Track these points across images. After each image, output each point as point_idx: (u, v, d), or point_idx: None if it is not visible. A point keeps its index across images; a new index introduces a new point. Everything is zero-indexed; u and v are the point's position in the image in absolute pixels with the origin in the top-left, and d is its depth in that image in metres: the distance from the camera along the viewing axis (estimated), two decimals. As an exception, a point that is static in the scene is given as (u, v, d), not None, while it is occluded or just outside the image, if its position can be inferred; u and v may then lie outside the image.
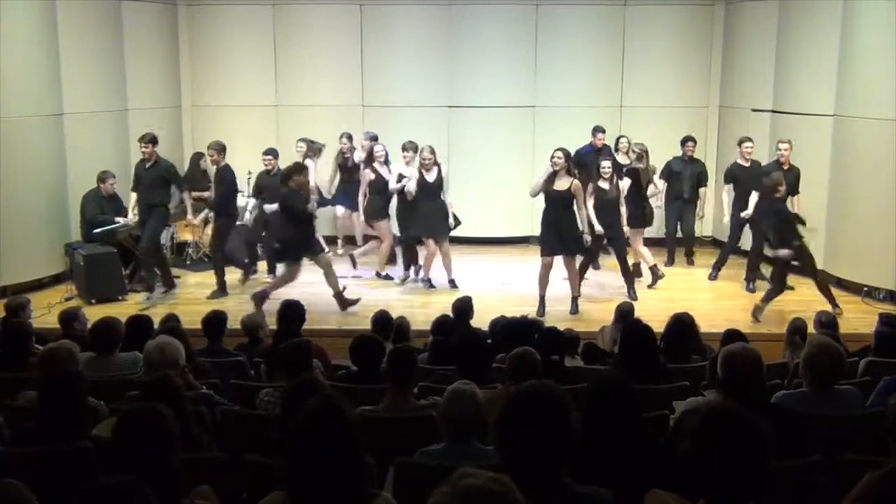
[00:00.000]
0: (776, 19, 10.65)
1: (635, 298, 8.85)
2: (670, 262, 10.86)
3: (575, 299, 8.77)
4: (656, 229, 10.71)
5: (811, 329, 6.37)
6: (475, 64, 11.88)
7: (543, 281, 8.72)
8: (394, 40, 11.93)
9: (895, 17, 8.76)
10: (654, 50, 11.89)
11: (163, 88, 11.82)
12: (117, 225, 9.47)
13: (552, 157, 8.52)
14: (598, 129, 10.86)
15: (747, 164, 9.73)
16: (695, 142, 10.82)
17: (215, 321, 6.23)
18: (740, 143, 9.92)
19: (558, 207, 8.52)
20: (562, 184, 8.46)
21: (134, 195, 9.35)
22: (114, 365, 5.18)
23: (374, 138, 10.27)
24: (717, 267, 10.20)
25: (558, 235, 8.53)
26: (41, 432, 3.59)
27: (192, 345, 5.56)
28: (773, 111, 10.75)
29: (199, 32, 12.12)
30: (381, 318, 6.68)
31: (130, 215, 9.39)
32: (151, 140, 9.14)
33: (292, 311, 6.37)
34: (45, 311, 8.20)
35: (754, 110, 11.11)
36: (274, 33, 11.99)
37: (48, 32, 9.63)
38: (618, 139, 10.93)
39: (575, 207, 8.53)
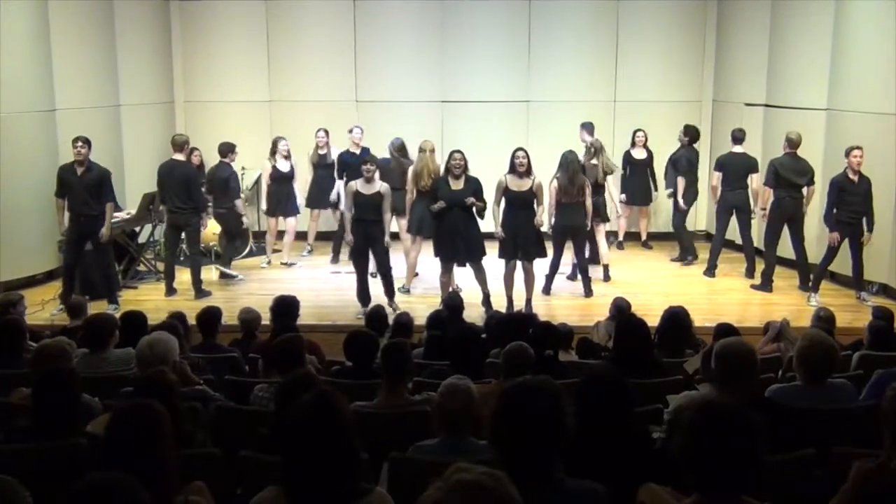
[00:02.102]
0: (769, 13, 10.67)
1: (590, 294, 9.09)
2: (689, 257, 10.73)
3: (529, 301, 8.56)
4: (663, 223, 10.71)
5: (808, 322, 6.41)
6: (468, 59, 11.89)
7: (508, 282, 8.57)
8: (387, 35, 11.92)
9: (887, 9, 8.79)
10: (648, 44, 11.90)
11: (155, 84, 11.78)
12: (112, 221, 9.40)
13: (516, 156, 8.27)
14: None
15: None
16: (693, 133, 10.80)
17: (209, 317, 6.23)
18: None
19: (518, 209, 8.28)
20: (523, 184, 8.25)
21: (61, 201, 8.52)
22: (108, 361, 5.17)
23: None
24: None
25: (514, 240, 8.29)
26: (35, 429, 3.58)
27: (189, 341, 5.57)
28: (767, 105, 10.76)
29: (191, 27, 12.09)
30: (376, 314, 6.66)
31: (65, 223, 8.57)
32: (87, 141, 8.52)
33: (286, 306, 6.37)
34: (38, 308, 8.18)
35: (747, 104, 11.11)
36: (267, 28, 11.97)
37: (40, 28, 9.59)
38: (634, 132, 11.01)
39: (535, 206, 8.30)
